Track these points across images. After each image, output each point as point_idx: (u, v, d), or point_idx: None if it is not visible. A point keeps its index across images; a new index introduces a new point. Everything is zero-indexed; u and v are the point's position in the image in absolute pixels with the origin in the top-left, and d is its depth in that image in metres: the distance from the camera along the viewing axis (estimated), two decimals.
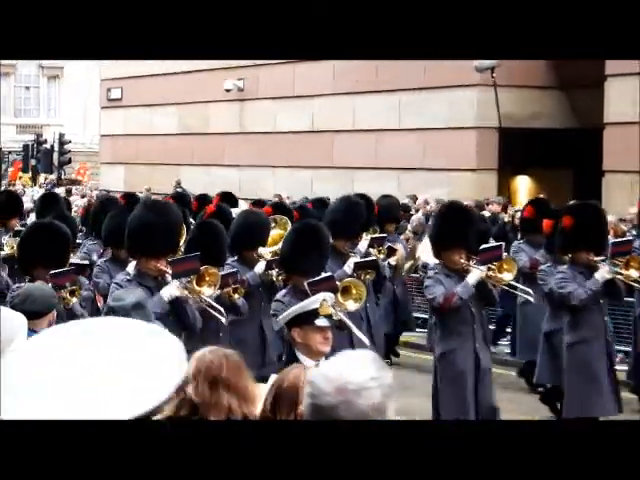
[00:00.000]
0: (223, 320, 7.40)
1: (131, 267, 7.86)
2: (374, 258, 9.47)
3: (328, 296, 5.41)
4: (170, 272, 6.98)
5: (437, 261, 8.20)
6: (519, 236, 11.21)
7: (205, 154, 24.40)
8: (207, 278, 7.31)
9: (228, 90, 23.66)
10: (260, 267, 8.80)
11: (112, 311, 4.92)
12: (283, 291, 7.25)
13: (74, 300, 7.25)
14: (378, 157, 20.49)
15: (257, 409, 3.70)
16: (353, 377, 2.30)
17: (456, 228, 7.79)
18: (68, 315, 6.96)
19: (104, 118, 28.75)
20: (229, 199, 12.70)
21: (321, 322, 5.27)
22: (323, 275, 7.39)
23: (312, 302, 5.36)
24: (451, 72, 18.40)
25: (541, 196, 14.05)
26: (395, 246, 10.63)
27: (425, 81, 19.40)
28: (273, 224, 9.46)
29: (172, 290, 6.89)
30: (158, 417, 3.52)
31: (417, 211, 15.68)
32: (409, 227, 13.86)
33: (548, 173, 19.95)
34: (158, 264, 6.95)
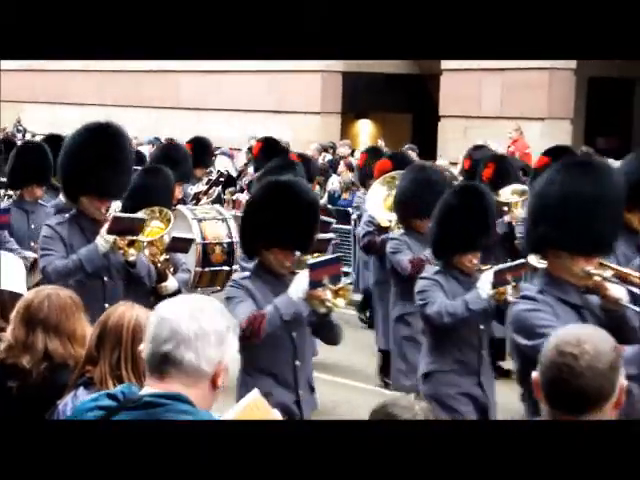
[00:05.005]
0: None
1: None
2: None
3: None
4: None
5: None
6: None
7: (48, 92, 23.88)
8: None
9: None
10: None
11: None
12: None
13: (340, 303, 4.83)
14: (224, 98, 20.61)
15: None
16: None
17: None
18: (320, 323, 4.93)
19: None
20: (273, 147, 10.12)
21: None
22: None
23: None
24: None
25: None
26: None
27: None
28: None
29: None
30: None
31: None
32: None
33: (388, 117, 20.56)
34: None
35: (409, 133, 20.31)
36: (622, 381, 2.47)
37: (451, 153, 15.99)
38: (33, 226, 7.60)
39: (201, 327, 2.48)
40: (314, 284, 4.70)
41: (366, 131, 21.43)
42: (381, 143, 18.06)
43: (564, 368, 2.41)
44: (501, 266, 5.53)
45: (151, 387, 2.53)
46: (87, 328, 3.59)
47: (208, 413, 2.51)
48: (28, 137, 20.68)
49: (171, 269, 6.32)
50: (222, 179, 10.60)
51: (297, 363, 4.86)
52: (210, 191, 9.66)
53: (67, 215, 5.91)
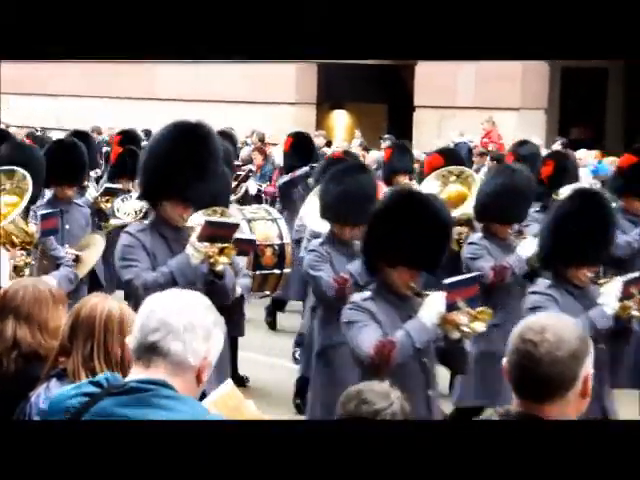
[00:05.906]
0: None
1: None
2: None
3: None
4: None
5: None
6: None
7: (25, 83, 23.70)
8: None
9: None
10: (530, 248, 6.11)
11: None
12: None
13: (479, 328, 4.30)
14: (200, 89, 20.54)
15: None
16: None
17: None
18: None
19: None
20: (305, 141, 10.05)
21: None
22: None
23: None
24: None
25: None
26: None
27: None
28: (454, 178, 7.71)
29: None
30: None
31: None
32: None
33: (364, 108, 20.60)
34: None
35: (384, 123, 20.37)
36: (587, 371, 2.47)
37: (426, 143, 16.07)
38: (67, 227, 7.38)
39: (190, 321, 2.53)
40: (450, 307, 4.22)
41: (341, 122, 21.47)
42: (358, 134, 18.15)
43: (525, 355, 2.42)
44: (629, 276, 4.97)
45: (135, 375, 2.56)
46: (60, 319, 3.54)
47: (192, 399, 2.55)
48: (2, 128, 20.51)
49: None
50: (250, 175, 10.44)
51: (430, 393, 4.29)
52: (237, 188, 9.53)
53: (146, 222, 5.43)
